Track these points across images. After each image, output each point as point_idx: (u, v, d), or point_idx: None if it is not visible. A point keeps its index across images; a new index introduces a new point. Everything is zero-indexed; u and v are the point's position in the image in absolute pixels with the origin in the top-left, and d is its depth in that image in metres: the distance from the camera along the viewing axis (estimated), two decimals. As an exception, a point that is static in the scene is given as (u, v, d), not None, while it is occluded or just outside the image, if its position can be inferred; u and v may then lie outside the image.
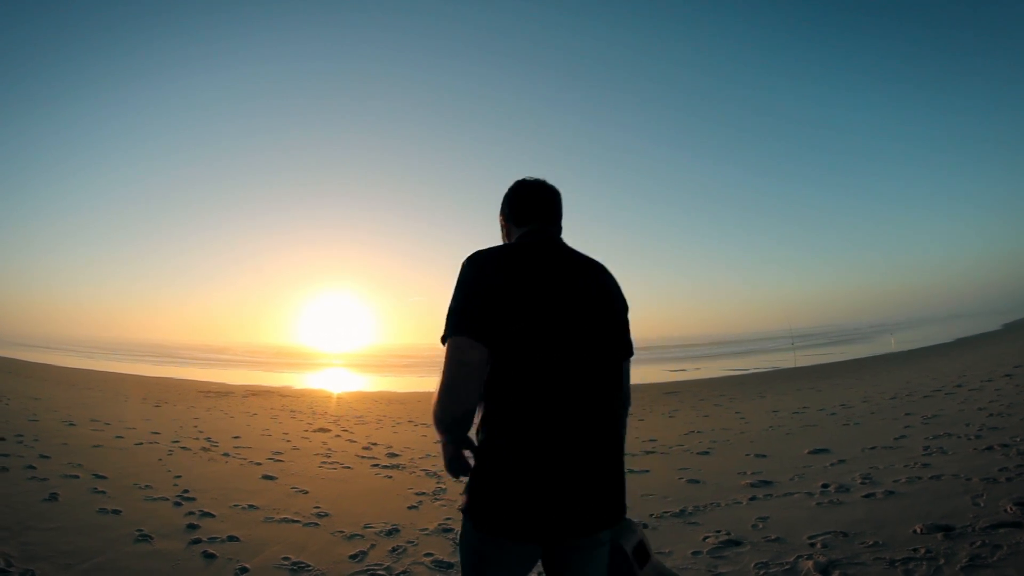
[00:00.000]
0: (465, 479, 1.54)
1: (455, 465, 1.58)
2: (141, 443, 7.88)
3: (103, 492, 5.15)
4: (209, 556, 3.83)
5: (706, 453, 7.21)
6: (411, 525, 4.62)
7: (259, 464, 6.98)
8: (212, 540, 4.12)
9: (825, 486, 5.01)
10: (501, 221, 1.82)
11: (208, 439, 8.62)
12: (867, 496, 4.60)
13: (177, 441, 8.26)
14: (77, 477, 5.59)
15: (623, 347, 1.64)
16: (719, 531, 4.12)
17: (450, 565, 3.79)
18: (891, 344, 35.31)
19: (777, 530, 4.02)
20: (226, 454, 7.53)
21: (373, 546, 4.16)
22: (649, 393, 16.65)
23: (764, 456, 6.64)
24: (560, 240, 1.69)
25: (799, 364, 25.93)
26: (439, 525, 4.64)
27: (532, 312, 1.44)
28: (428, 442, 8.84)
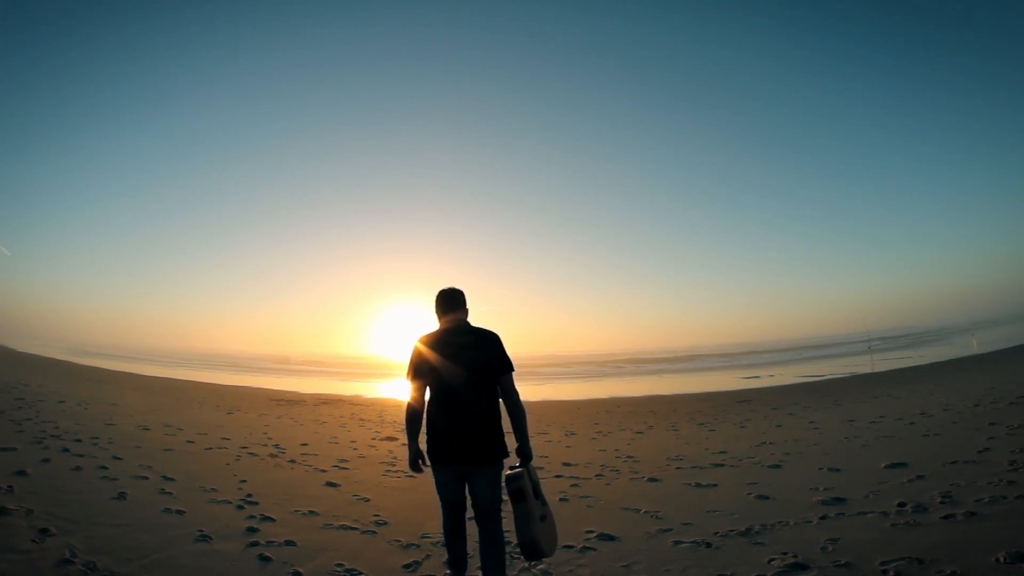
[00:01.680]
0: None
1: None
2: (211, 448, 8.46)
3: (170, 493, 5.58)
4: (265, 559, 4.07)
5: (777, 466, 6.97)
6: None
7: (324, 471, 7.33)
8: (270, 544, 4.37)
9: (901, 505, 4.71)
10: (435, 311, 3.61)
11: (276, 446, 9.13)
12: (946, 517, 4.29)
13: (246, 447, 8.79)
14: (146, 478, 6.08)
15: (498, 368, 3.37)
16: (786, 553, 3.95)
17: (503, 579, 3.82)
18: (973, 345, 33.72)
19: (848, 554, 3.82)
20: (292, 461, 7.94)
21: (428, 556, 4.27)
22: (721, 402, 16.49)
23: (838, 470, 6.33)
24: (460, 319, 3.54)
25: (876, 369, 25.40)
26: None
27: (436, 361, 3.35)
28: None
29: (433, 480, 3.51)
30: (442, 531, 3.63)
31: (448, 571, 3.70)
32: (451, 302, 3.55)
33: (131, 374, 29.09)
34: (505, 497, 3.37)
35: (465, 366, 3.31)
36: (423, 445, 3.46)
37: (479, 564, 3.49)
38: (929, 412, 9.84)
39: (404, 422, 3.50)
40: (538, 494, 3.39)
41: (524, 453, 3.41)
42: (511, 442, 3.43)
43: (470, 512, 3.48)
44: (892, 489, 5.27)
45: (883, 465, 6.20)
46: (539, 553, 3.28)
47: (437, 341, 3.42)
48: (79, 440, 7.80)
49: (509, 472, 3.28)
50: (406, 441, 3.52)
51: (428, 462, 3.45)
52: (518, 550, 3.42)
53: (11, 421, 8.89)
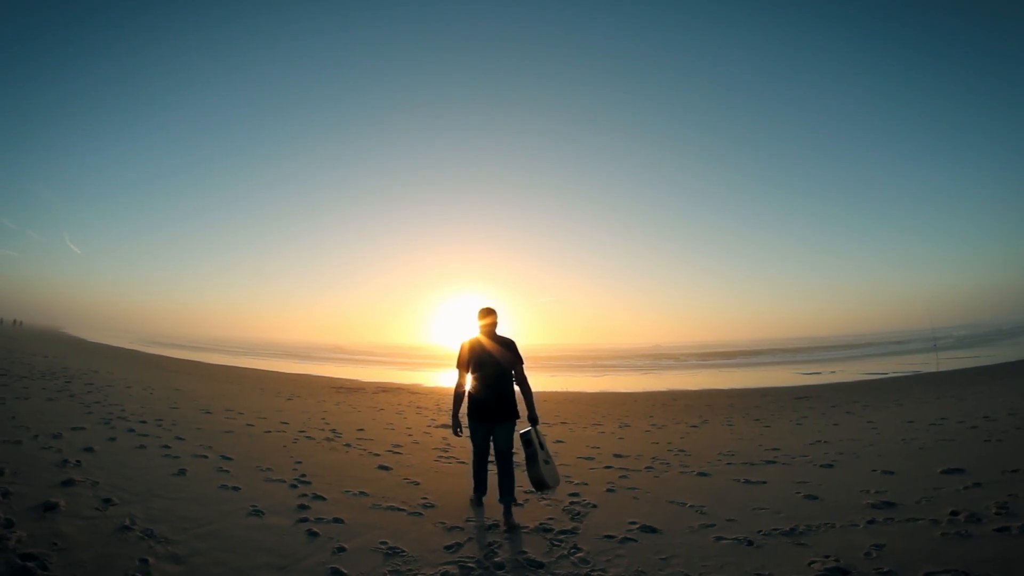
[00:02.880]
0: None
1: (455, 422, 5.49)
2: (269, 431, 9.00)
3: (227, 471, 6.04)
4: (312, 534, 4.39)
5: (829, 466, 6.83)
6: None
7: (377, 455, 7.69)
8: (318, 520, 4.71)
9: (954, 513, 4.56)
10: (477, 318, 5.40)
11: (333, 430, 9.60)
12: (1000, 530, 4.15)
13: (303, 431, 9.29)
14: (206, 457, 6.58)
15: (514, 362, 5.18)
16: (828, 556, 3.92)
17: (541, 565, 4.00)
18: None
19: (891, 562, 3.76)
20: (348, 445, 8.35)
21: (470, 539, 4.50)
22: (779, 398, 16.27)
23: (892, 473, 6.16)
24: (492, 327, 5.32)
25: (942, 368, 24.74)
26: (539, 524, 4.88)
27: (474, 357, 5.22)
28: (547, 442, 9.08)
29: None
30: (472, 468, 5.61)
31: (473, 495, 5.54)
32: (487, 314, 5.37)
33: (195, 362, 30.83)
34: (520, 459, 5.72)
35: (491, 362, 5.20)
36: (463, 416, 5.36)
37: (498, 497, 5.13)
38: (993, 416, 9.49)
39: (452, 399, 5.42)
40: (543, 446, 5.29)
41: (532, 419, 5.33)
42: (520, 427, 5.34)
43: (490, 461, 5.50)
44: (946, 496, 5.13)
45: (939, 470, 6.04)
46: (544, 484, 5.12)
47: (476, 342, 5.30)
48: (144, 422, 8.47)
49: (522, 431, 5.23)
50: (450, 411, 5.54)
51: (464, 426, 5.41)
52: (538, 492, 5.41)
53: (81, 404, 9.72)
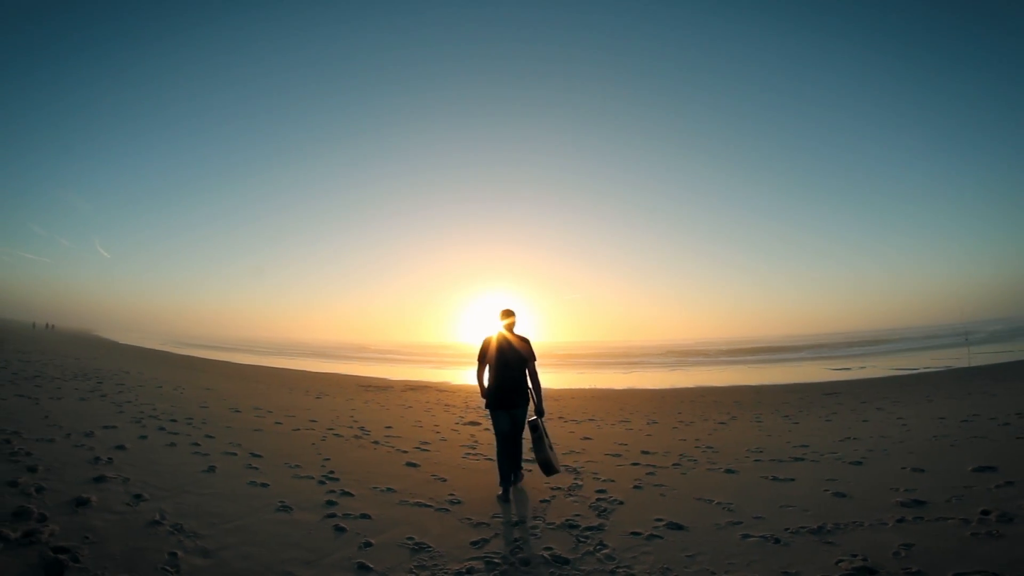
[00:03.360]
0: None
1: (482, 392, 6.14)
2: (298, 429, 9.16)
3: (256, 468, 6.18)
4: (340, 529, 4.48)
5: (859, 463, 6.71)
6: (539, 518, 4.96)
7: (405, 452, 7.78)
8: (346, 516, 4.80)
9: (985, 513, 4.45)
10: (498, 317, 6.12)
11: (361, 428, 9.74)
12: None
13: (332, 429, 9.44)
14: (235, 455, 6.73)
15: (528, 358, 5.91)
16: (855, 555, 3.86)
17: (567, 561, 4.02)
18: None
19: (920, 562, 3.69)
20: (376, 442, 8.46)
21: (496, 535, 4.54)
22: (808, 394, 16.10)
23: (922, 471, 6.03)
24: (511, 326, 6.07)
25: (973, 363, 24.22)
26: (566, 520, 4.89)
27: (492, 353, 5.94)
28: (575, 438, 9.24)
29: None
30: (496, 457, 5.99)
31: (501, 489, 5.74)
32: (508, 315, 6.10)
33: (224, 362, 31.40)
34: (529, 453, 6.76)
35: (510, 355, 5.89)
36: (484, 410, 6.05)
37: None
38: (1026, 413, 9.20)
39: (478, 383, 6.07)
40: (546, 435, 5.87)
41: (539, 410, 5.95)
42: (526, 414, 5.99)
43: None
44: (977, 494, 5.02)
45: (970, 468, 5.90)
46: (551, 466, 5.71)
47: (496, 339, 6.01)
48: (174, 420, 8.68)
49: (529, 419, 5.81)
50: (479, 396, 6.47)
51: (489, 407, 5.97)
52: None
53: (113, 403, 10.01)
